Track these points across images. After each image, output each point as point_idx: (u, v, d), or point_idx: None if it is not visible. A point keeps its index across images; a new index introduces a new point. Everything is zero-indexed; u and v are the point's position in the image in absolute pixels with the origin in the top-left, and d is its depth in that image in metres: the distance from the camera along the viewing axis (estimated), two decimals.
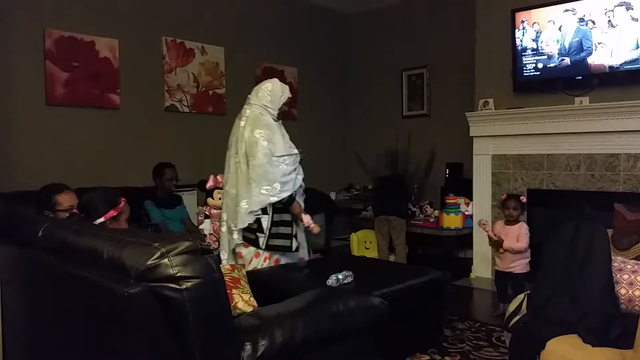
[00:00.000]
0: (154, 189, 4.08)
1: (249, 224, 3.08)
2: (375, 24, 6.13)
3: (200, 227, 3.26)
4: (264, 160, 3.04)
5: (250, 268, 3.07)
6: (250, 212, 3.06)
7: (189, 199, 4.39)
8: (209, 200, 3.28)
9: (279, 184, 3.06)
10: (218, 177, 3.24)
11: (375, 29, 6.12)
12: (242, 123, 3.20)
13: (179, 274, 1.46)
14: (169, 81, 4.74)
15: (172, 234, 3.62)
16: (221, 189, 3.17)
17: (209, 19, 5.02)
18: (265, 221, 3.10)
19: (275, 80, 3.30)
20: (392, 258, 4.53)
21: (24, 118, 3.86)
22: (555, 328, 2.11)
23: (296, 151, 3.22)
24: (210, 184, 3.27)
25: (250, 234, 3.14)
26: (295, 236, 3.20)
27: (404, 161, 5.52)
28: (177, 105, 4.80)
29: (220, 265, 1.79)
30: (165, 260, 1.47)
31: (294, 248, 3.18)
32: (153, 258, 1.48)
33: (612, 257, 2.31)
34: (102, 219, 2.24)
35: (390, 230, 4.52)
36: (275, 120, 3.21)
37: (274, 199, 3.06)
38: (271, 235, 3.12)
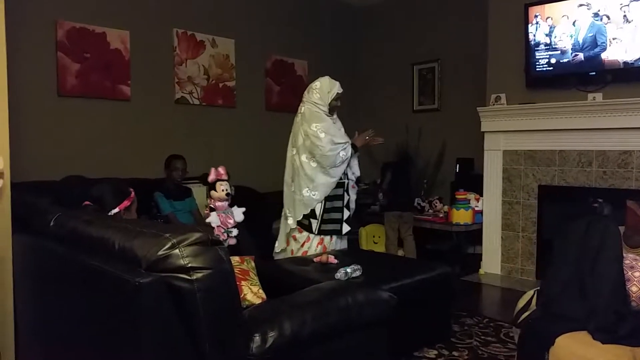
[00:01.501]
0: (164, 180, 4.10)
1: (317, 213, 3.42)
2: (386, 17, 6.09)
3: (207, 220, 3.27)
4: (326, 149, 3.33)
5: (301, 252, 3.42)
6: (317, 200, 3.40)
7: (199, 191, 4.40)
8: (212, 192, 3.29)
9: (338, 169, 3.40)
10: (220, 169, 3.26)
11: (386, 22, 6.09)
12: (298, 119, 3.51)
13: (189, 265, 1.47)
14: (180, 73, 4.74)
15: (183, 225, 3.64)
16: (224, 180, 3.23)
17: (220, 11, 5.01)
18: (318, 208, 3.41)
19: (325, 78, 3.52)
20: (400, 252, 4.52)
21: (36, 109, 3.89)
22: (564, 325, 2.10)
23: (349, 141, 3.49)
24: (211, 177, 3.28)
25: (304, 220, 3.43)
26: (347, 221, 3.44)
27: (414, 156, 5.50)
28: (187, 98, 4.81)
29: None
30: (176, 251, 1.48)
31: (344, 232, 3.45)
32: (164, 249, 1.49)
33: (624, 255, 2.29)
34: (116, 210, 2.26)
35: (400, 225, 4.51)
36: (327, 115, 3.45)
37: (333, 181, 3.41)
38: (323, 221, 3.42)
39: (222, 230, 3.22)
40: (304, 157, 3.40)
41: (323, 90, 3.46)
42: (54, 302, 1.93)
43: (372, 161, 5.81)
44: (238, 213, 3.29)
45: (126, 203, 2.29)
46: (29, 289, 2.08)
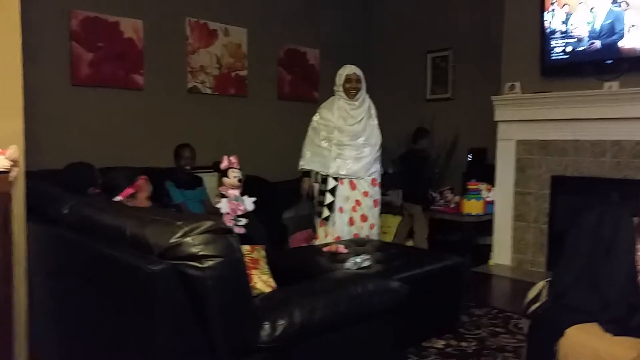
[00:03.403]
0: (174, 170, 4.12)
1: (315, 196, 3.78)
2: (399, 4, 6.03)
3: (217, 205, 3.32)
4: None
5: (320, 238, 3.71)
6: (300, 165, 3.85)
7: (211, 180, 4.42)
8: (225, 179, 3.33)
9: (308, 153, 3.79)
10: (232, 157, 3.31)
11: (400, 10, 6.02)
12: None
13: (200, 253, 1.49)
14: (192, 62, 4.75)
15: (195, 214, 3.67)
16: (236, 168, 3.29)
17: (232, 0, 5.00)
18: (316, 190, 3.74)
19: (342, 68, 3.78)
20: (409, 243, 4.53)
21: (50, 98, 3.92)
22: (575, 316, 2.09)
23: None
24: (224, 164, 3.33)
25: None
26: (329, 206, 3.64)
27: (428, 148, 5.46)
28: (199, 87, 4.82)
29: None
30: (188, 239, 1.50)
31: (322, 216, 3.66)
32: (176, 236, 1.50)
33: (637, 246, 2.27)
34: (119, 197, 2.28)
35: (414, 215, 4.51)
36: (348, 99, 3.69)
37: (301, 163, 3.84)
38: (318, 203, 3.71)
39: (231, 218, 3.26)
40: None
41: (337, 77, 3.74)
42: (67, 289, 1.96)
43: (385, 153, 5.78)
44: (249, 202, 3.32)
45: (129, 191, 2.30)
46: (43, 277, 2.11)
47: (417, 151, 4.83)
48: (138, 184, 2.34)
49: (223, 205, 3.24)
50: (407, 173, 4.71)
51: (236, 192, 3.32)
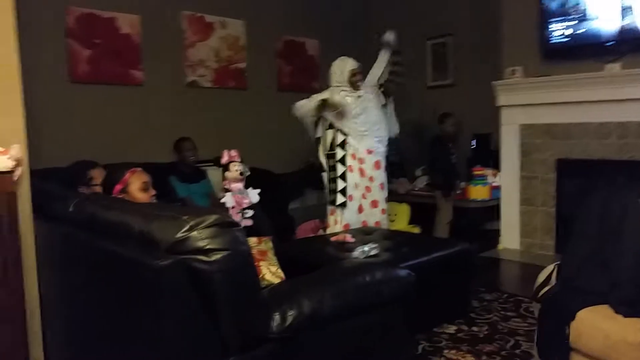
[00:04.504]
0: (177, 164, 4.11)
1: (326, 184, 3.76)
2: None
3: (222, 200, 3.32)
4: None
5: (331, 226, 3.70)
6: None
7: (214, 174, 4.41)
8: (227, 174, 3.35)
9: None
10: (232, 151, 3.32)
11: None
12: None
13: (207, 247, 1.48)
14: (190, 56, 4.73)
15: (200, 208, 3.66)
16: (237, 161, 3.31)
17: None
18: (325, 178, 3.75)
19: (335, 61, 3.74)
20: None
21: (49, 96, 3.91)
22: (585, 298, 2.08)
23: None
24: (224, 158, 3.34)
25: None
26: (342, 192, 3.63)
27: (429, 133, 5.44)
28: (198, 81, 4.80)
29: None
30: (195, 232, 1.49)
31: (337, 202, 3.64)
32: (182, 231, 1.49)
33: None
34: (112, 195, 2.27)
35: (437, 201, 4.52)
36: (353, 90, 3.66)
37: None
38: (330, 191, 3.70)
39: (237, 211, 3.26)
40: None
41: (335, 72, 3.68)
42: (76, 287, 1.96)
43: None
44: (254, 194, 3.32)
45: (118, 187, 2.28)
46: (52, 275, 2.11)
47: (444, 136, 4.74)
48: (125, 178, 2.31)
49: (228, 200, 3.24)
50: (435, 159, 4.67)
51: (240, 186, 3.32)
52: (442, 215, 4.52)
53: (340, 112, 3.59)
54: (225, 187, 3.39)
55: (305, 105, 3.63)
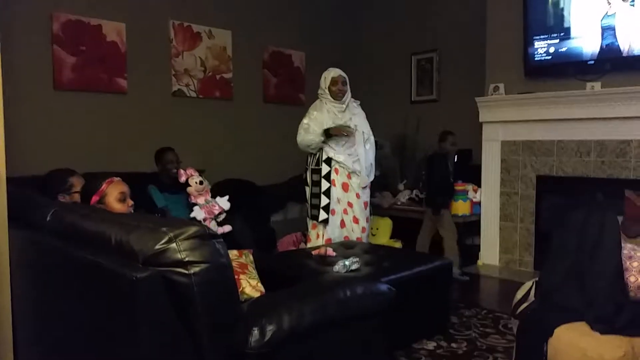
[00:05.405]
0: (158, 175, 4.07)
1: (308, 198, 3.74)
2: (384, 7, 6.05)
3: (192, 215, 3.33)
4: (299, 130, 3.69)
5: (313, 240, 3.69)
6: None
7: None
8: (189, 189, 3.39)
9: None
10: (188, 169, 3.41)
11: (385, 12, 6.04)
12: None
13: (187, 259, 1.46)
14: (176, 65, 4.71)
15: (180, 219, 3.62)
16: (195, 175, 3.37)
17: (216, 1, 4.97)
18: (307, 192, 3.73)
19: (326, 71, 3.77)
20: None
21: (32, 103, 3.86)
22: (563, 315, 2.10)
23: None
24: (182, 178, 3.41)
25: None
26: (325, 208, 3.60)
27: (412, 147, 5.49)
28: (184, 90, 4.78)
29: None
30: (174, 244, 1.47)
31: (320, 219, 3.61)
32: (161, 242, 1.48)
33: (622, 244, 2.28)
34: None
35: (441, 219, 4.33)
36: (334, 101, 3.67)
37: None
38: (311, 206, 3.69)
39: (210, 221, 3.28)
40: None
41: (322, 80, 3.73)
42: (51, 297, 1.92)
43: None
44: (223, 201, 3.35)
45: (95, 198, 2.25)
46: (26, 284, 2.07)
47: (443, 154, 4.49)
48: (101, 189, 2.27)
49: (197, 213, 3.28)
50: (431, 175, 4.48)
51: (206, 197, 3.38)
52: (449, 234, 4.35)
53: (349, 134, 3.60)
54: (192, 202, 3.42)
55: (312, 142, 3.58)
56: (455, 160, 5.01)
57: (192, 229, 1.52)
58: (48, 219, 1.98)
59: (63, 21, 4.00)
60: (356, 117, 3.75)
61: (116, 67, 4.30)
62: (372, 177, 3.82)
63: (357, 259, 2.74)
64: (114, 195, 2.27)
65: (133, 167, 4.00)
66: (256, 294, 2.14)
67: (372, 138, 3.84)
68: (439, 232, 4.39)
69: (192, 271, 1.46)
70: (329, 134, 3.56)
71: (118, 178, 2.38)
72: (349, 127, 3.62)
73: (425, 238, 4.41)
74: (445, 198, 4.38)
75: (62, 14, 4.00)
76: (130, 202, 2.36)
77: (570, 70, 4.02)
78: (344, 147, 3.64)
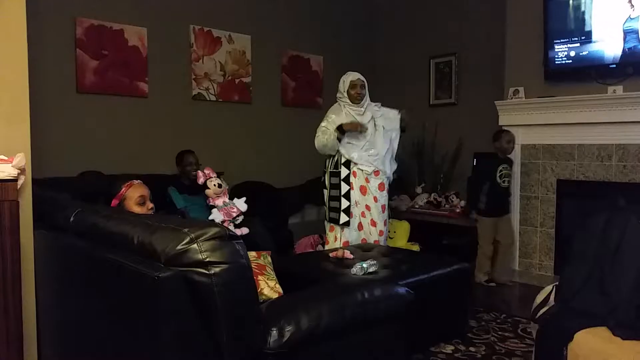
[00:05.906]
0: (178, 177, 4.13)
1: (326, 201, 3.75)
2: (402, 10, 6.04)
3: (210, 218, 3.37)
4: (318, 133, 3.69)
5: (330, 242, 3.70)
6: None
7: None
8: (207, 191, 3.42)
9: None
10: (206, 170, 3.42)
11: (403, 16, 6.04)
12: None
13: (207, 259, 1.49)
14: (197, 70, 4.77)
15: (201, 220, 3.67)
16: (213, 177, 3.40)
17: (236, 7, 5.03)
18: (325, 195, 3.75)
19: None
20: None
21: (56, 106, 3.95)
22: (584, 320, 2.08)
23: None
24: (201, 179, 3.43)
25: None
26: (345, 211, 3.61)
27: (430, 151, 5.47)
28: (204, 94, 4.84)
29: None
30: (195, 245, 1.50)
31: (341, 222, 3.61)
32: (183, 243, 1.50)
33: None
34: None
35: (498, 230, 4.19)
36: (353, 105, 3.69)
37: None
38: (330, 209, 3.70)
39: (229, 222, 3.30)
40: None
41: (340, 83, 3.75)
42: (74, 297, 1.96)
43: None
44: (240, 203, 3.37)
45: (115, 202, 2.28)
46: (51, 284, 2.12)
47: (498, 153, 4.25)
48: (121, 192, 2.30)
49: (215, 216, 3.31)
50: (482, 178, 4.26)
51: (224, 199, 3.40)
52: (510, 240, 4.26)
53: (361, 129, 3.59)
54: (210, 204, 3.46)
55: (329, 142, 3.58)
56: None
57: (213, 230, 1.54)
58: (71, 219, 2.02)
59: (86, 26, 4.09)
60: (380, 119, 3.76)
61: (137, 71, 4.37)
62: (394, 167, 3.86)
63: (375, 262, 2.74)
64: (134, 199, 2.31)
65: (154, 169, 4.07)
66: (274, 295, 2.16)
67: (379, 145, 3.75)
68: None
69: (212, 271, 1.49)
70: (343, 131, 3.57)
71: (138, 181, 2.41)
72: (363, 124, 3.61)
73: (486, 256, 4.19)
74: (509, 199, 4.29)
75: (85, 19, 4.08)
76: (150, 205, 2.39)
77: (591, 74, 3.97)
78: (364, 148, 3.64)
